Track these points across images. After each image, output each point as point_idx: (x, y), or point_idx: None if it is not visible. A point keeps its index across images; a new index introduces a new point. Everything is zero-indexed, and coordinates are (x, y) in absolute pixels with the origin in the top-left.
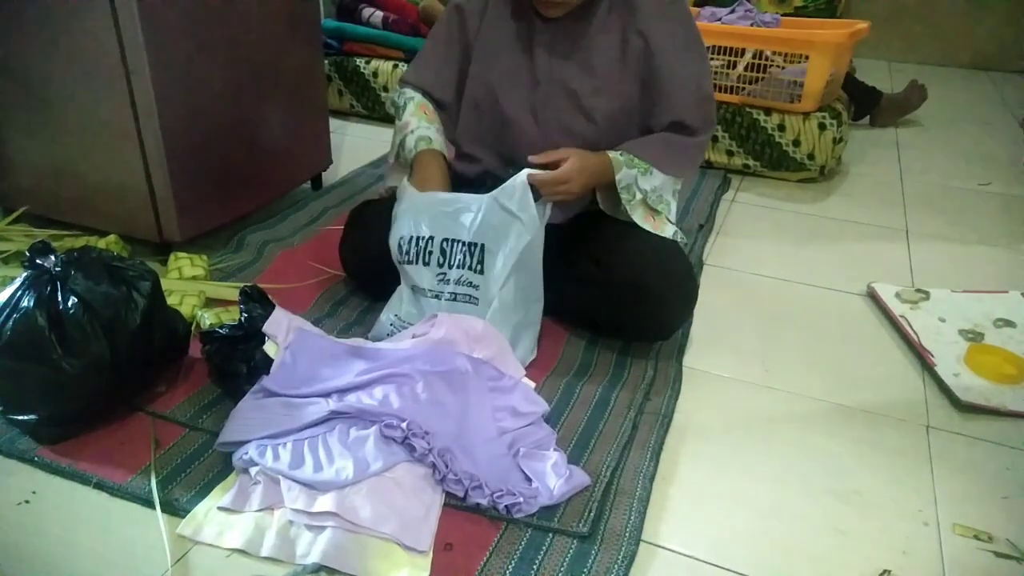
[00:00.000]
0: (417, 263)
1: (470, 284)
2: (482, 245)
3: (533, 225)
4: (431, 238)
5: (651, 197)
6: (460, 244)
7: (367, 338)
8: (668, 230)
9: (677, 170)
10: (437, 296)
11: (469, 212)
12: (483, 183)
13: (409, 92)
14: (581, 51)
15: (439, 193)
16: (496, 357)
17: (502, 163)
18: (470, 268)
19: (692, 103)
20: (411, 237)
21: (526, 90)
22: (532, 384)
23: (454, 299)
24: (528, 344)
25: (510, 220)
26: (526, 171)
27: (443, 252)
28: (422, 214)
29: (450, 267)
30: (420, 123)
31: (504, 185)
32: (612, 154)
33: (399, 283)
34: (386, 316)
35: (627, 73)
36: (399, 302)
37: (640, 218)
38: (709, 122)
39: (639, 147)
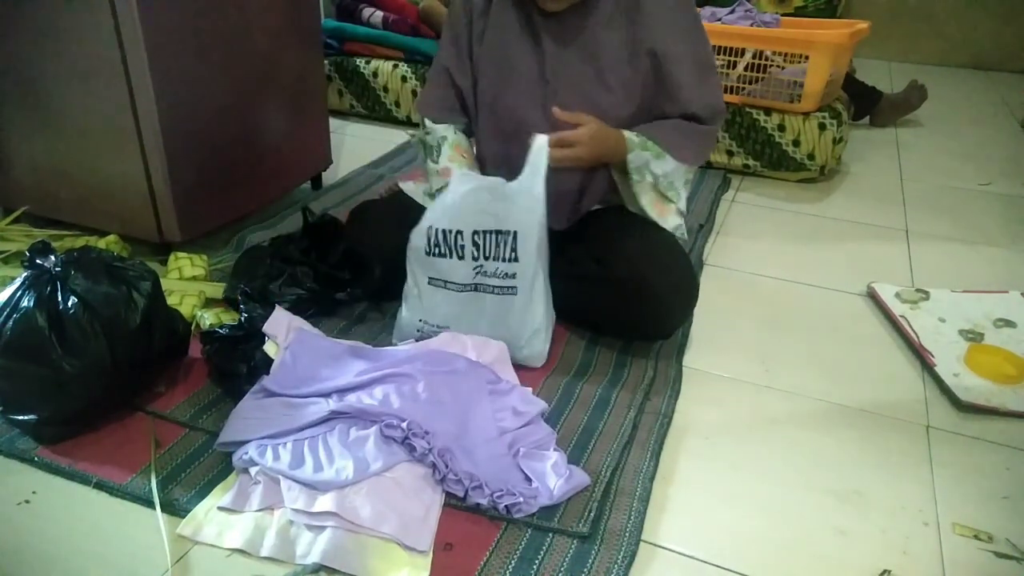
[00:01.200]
0: (451, 256)
1: (507, 275)
2: (515, 232)
3: (540, 198)
4: (460, 232)
5: (662, 183)
6: (491, 235)
7: (392, 342)
8: (671, 222)
9: (690, 156)
10: (476, 288)
11: (500, 200)
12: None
13: (440, 131)
14: (588, 47)
15: (475, 177)
16: (495, 363)
17: (508, 168)
18: (504, 259)
19: (699, 98)
20: (439, 230)
21: (535, 88)
22: (529, 389)
23: (494, 291)
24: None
25: (530, 198)
26: (543, 136)
27: (476, 245)
28: (453, 206)
29: (486, 259)
30: (462, 169)
31: (527, 163)
32: (627, 133)
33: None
34: (409, 318)
35: (635, 69)
36: (418, 304)
37: (649, 203)
38: (719, 112)
39: (654, 130)
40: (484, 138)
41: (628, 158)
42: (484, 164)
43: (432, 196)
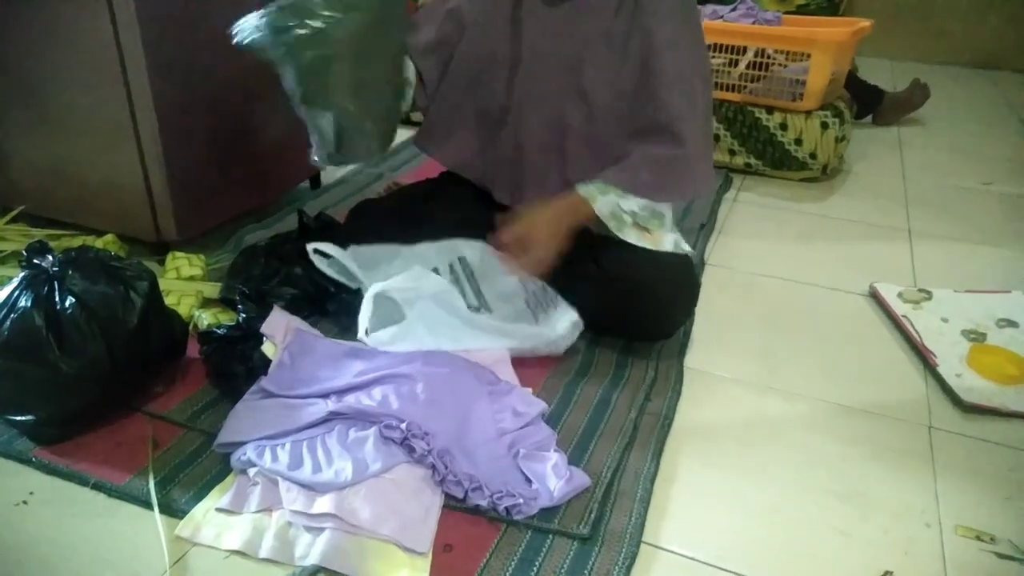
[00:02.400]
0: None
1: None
2: None
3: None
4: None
5: (641, 216)
6: None
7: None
8: (667, 242)
9: (661, 194)
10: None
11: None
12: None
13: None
14: (577, 35)
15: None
16: (494, 364)
17: (482, 156)
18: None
19: (685, 111)
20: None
21: (516, 69)
22: (529, 390)
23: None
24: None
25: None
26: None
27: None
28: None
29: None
30: None
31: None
32: (581, 187)
33: None
34: None
35: (627, 64)
36: None
37: (636, 239)
38: (702, 133)
39: (614, 173)
40: (458, 124)
41: (596, 209)
42: (465, 151)
43: None
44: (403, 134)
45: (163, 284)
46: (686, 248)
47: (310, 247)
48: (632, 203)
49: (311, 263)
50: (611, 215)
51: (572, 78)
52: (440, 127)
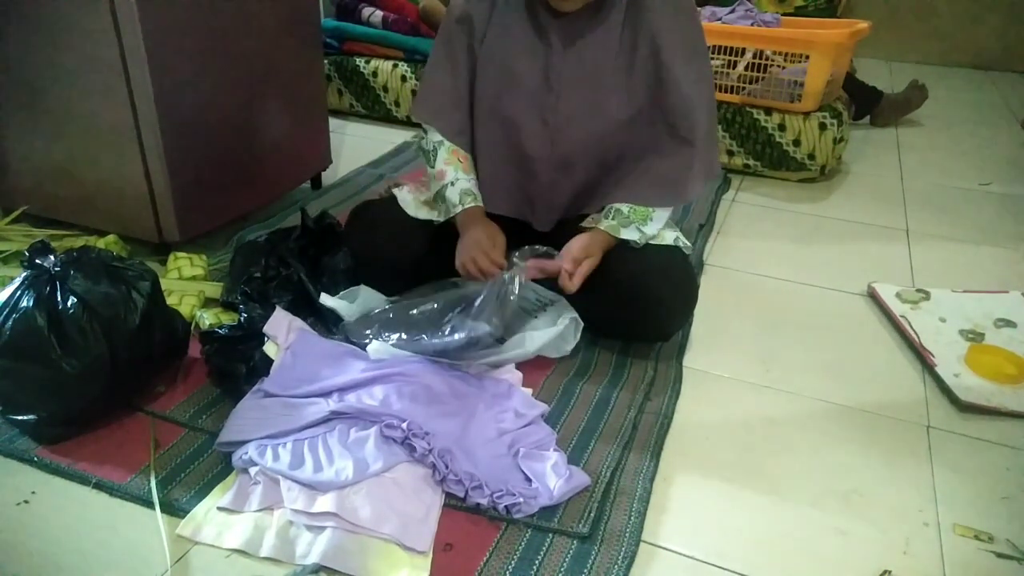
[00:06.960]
0: None
1: None
2: None
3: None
4: None
5: (651, 232)
6: None
7: None
8: (669, 236)
9: (674, 200)
10: None
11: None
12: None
13: (434, 135)
14: (594, 52)
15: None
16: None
17: (513, 172)
18: None
19: (691, 119)
20: None
21: (537, 95)
22: (529, 390)
23: None
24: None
25: None
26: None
27: None
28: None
29: None
30: (458, 174)
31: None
32: (606, 224)
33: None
34: None
35: (636, 76)
36: None
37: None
38: (705, 134)
39: (633, 195)
40: (481, 149)
41: (622, 239)
42: (480, 178)
43: (429, 203)
44: (404, 134)
45: (165, 284)
46: (684, 243)
47: (325, 301)
48: (652, 228)
49: (311, 265)
50: (636, 239)
51: (591, 97)
52: (483, 181)
